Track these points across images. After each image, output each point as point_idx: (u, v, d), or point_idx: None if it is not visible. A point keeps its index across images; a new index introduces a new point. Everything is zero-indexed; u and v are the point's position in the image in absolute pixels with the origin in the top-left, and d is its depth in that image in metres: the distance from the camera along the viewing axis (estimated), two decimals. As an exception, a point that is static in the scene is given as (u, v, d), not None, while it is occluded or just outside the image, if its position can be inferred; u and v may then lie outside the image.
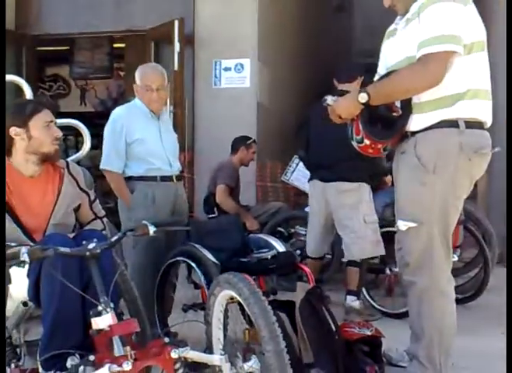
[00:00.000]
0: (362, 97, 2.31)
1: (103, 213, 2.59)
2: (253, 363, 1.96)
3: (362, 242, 3.59)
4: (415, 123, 2.38)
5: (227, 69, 5.43)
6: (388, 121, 2.41)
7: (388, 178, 3.99)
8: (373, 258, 3.75)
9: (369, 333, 2.66)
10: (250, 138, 4.83)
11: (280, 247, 2.93)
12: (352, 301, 3.63)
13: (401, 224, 2.43)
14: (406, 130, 2.41)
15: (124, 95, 8.75)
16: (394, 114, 2.41)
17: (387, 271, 3.86)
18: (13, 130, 2.29)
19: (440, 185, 2.33)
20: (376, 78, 2.59)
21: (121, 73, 8.83)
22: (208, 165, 5.19)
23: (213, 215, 4.57)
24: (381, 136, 2.43)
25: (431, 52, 2.23)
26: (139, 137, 3.12)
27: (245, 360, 2.02)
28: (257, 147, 4.86)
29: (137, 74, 3.23)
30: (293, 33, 6.16)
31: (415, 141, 2.38)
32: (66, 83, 9.52)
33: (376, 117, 2.40)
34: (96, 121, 4.79)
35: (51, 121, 2.34)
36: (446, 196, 2.35)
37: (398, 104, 2.41)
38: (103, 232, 2.42)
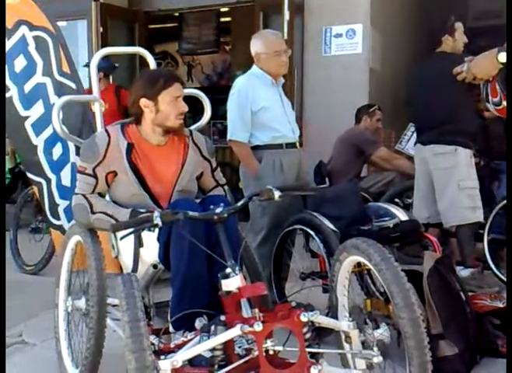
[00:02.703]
0: (503, 56, 2.12)
1: (224, 180, 2.62)
2: (383, 331, 1.89)
3: (455, 208, 3.45)
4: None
5: (338, 36, 5.29)
6: None
7: None
8: (480, 226, 3.58)
9: (501, 306, 2.53)
10: (374, 106, 4.68)
11: (402, 215, 2.81)
12: (460, 271, 3.48)
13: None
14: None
15: (229, 69, 8.84)
16: None
17: None
18: (143, 102, 2.33)
19: None
20: None
21: (227, 47, 8.90)
22: (317, 135, 5.12)
23: (324, 186, 4.51)
24: None
25: None
26: (264, 104, 3.11)
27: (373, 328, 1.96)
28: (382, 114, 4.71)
29: (259, 43, 3.19)
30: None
31: None
32: (174, 60, 9.73)
33: None
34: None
35: (179, 96, 2.34)
36: None
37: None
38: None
